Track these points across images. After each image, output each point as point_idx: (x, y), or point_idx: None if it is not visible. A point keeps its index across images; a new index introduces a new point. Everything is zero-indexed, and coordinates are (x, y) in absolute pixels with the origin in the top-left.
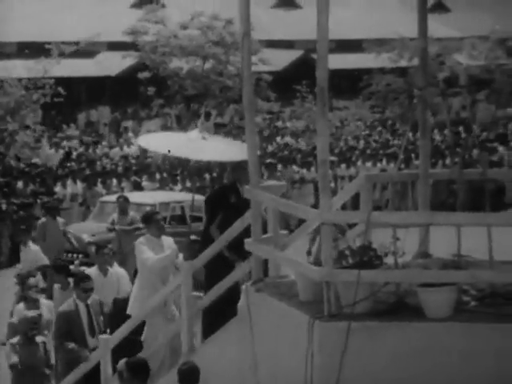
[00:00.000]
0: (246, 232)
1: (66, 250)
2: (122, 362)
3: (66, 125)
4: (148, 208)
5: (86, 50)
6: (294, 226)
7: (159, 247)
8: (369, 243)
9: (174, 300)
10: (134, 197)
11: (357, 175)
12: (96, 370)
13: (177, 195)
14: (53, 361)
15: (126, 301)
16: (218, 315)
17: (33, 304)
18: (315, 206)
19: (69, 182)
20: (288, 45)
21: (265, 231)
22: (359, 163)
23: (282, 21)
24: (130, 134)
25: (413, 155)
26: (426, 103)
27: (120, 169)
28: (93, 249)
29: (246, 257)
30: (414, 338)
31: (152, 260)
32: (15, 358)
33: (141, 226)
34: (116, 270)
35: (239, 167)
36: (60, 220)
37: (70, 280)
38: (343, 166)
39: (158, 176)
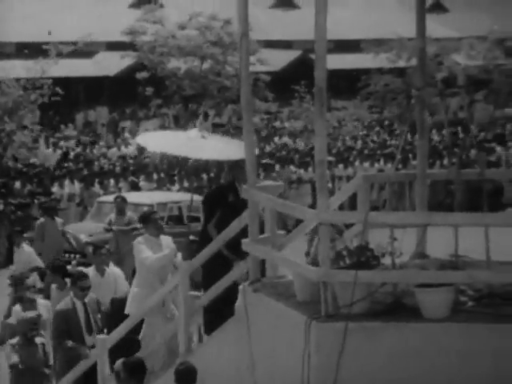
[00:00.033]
0: (245, 231)
1: (65, 251)
2: (118, 362)
3: (64, 125)
4: (145, 208)
5: (84, 50)
6: (291, 227)
7: (158, 247)
8: (366, 243)
9: (172, 299)
10: (132, 197)
11: (354, 175)
12: (95, 369)
13: (174, 195)
14: (51, 361)
15: (123, 300)
16: (218, 314)
17: (29, 305)
18: (313, 206)
19: (66, 182)
20: (286, 45)
21: (262, 231)
22: (357, 163)
23: (280, 21)
24: (127, 135)
25: (410, 155)
26: (424, 103)
27: (118, 169)
28: (90, 249)
29: (244, 255)
30: (411, 339)
31: (151, 259)
32: (15, 358)
33: (138, 226)
34: (112, 269)
35: (237, 166)
36: (59, 220)
37: (67, 280)
38: (341, 166)
39: (155, 176)
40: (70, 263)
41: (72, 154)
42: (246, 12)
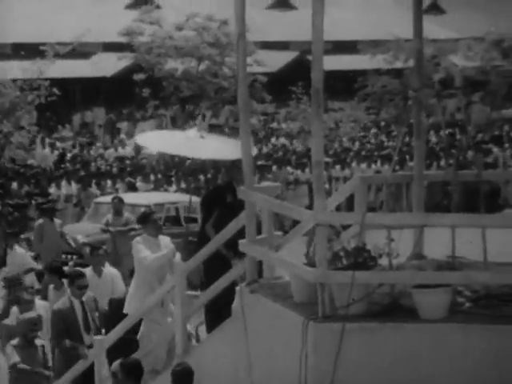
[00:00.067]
0: (242, 231)
1: (63, 252)
2: (116, 363)
3: (61, 125)
4: (142, 209)
5: (81, 51)
6: (288, 227)
7: (156, 247)
8: (363, 244)
9: (171, 299)
10: (129, 198)
11: (351, 176)
12: (93, 369)
13: (171, 196)
14: (50, 363)
15: (121, 301)
16: (219, 313)
17: (26, 306)
18: (310, 207)
19: (63, 183)
20: (283, 46)
21: (259, 232)
22: (354, 165)
23: (276, 22)
24: (123, 136)
25: (407, 157)
26: (421, 105)
27: (115, 170)
28: (87, 250)
29: (242, 255)
30: (408, 340)
31: (149, 259)
32: (16, 358)
33: (136, 226)
34: (109, 270)
35: (234, 167)
36: (57, 221)
37: (64, 281)
38: (338, 167)
39: (152, 177)
40: (67, 264)
41: (69, 155)
42: (242, 13)
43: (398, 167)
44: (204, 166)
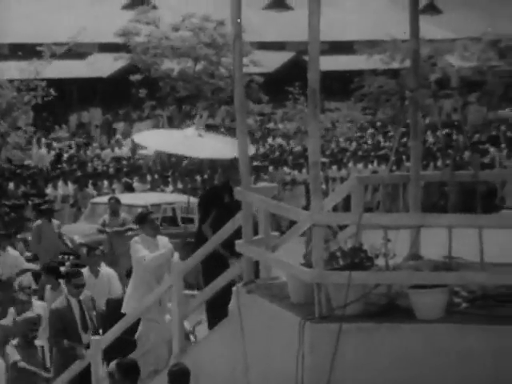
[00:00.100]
0: (239, 231)
1: (60, 252)
2: (112, 364)
3: (57, 126)
4: (139, 209)
5: (77, 52)
6: (285, 228)
7: (154, 246)
8: (360, 245)
9: (169, 298)
10: (126, 198)
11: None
12: (89, 369)
13: (168, 197)
14: (48, 364)
15: (119, 301)
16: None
17: (21, 306)
18: (307, 207)
19: (60, 183)
20: (279, 46)
21: (256, 232)
22: (350, 165)
23: (273, 22)
24: (119, 136)
25: (404, 157)
26: (418, 105)
27: (111, 170)
28: (84, 250)
29: (239, 254)
30: (404, 340)
31: (147, 258)
32: (17, 356)
33: (133, 226)
34: (106, 270)
35: (231, 167)
36: (55, 222)
37: (61, 281)
38: (334, 167)
39: (149, 177)
40: (64, 264)
41: (66, 155)
42: (239, 13)
43: (394, 167)
44: (201, 167)
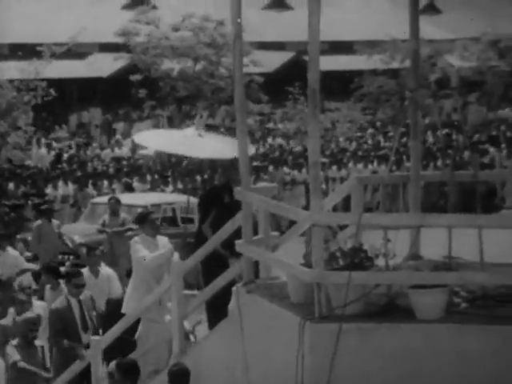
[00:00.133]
0: (239, 231)
1: (60, 252)
2: (112, 364)
3: (57, 126)
4: (139, 209)
5: (77, 52)
6: (285, 228)
7: (154, 247)
8: (360, 245)
9: (169, 298)
10: (125, 198)
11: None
12: (90, 369)
13: (168, 197)
14: (48, 364)
15: (119, 301)
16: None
17: (21, 306)
18: (306, 207)
19: (60, 183)
20: (279, 46)
21: (256, 232)
22: (350, 165)
23: (273, 22)
24: (119, 136)
25: (404, 157)
26: (418, 105)
27: (111, 170)
28: (84, 250)
29: (239, 254)
30: (404, 340)
31: (147, 258)
32: (17, 356)
33: (133, 226)
34: (106, 270)
35: (232, 167)
36: (55, 222)
37: (61, 280)
38: (334, 167)
39: (149, 177)
40: (64, 264)
41: (65, 155)
42: (239, 13)
43: (394, 167)
44: (201, 167)
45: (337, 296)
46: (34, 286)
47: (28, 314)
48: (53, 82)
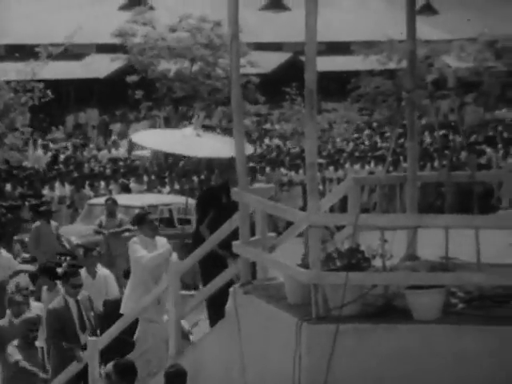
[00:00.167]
0: (237, 232)
1: (57, 253)
2: (109, 365)
3: (54, 127)
4: (136, 210)
5: (74, 52)
6: (282, 229)
7: (152, 247)
8: (357, 246)
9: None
10: (122, 199)
11: (345, 178)
12: (87, 370)
13: (165, 198)
14: (48, 365)
15: (117, 302)
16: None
17: (17, 307)
18: (304, 208)
19: (57, 184)
20: (276, 47)
21: (253, 233)
22: (347, 166)
23: (270, 23)
24: (115, 137)
25: (401, 158)
26: (414, 106)
27: (108, 171)
28: (81, 251)
29: (237, 255)
30: (401, 341)
31: (146, 258)
32: (18, 356)
33: (130, 227)
34: (103, 271)
35: (229, 168)
36: (53, 224)
37: (57, 282)
38: (331, 168)
39: (145, 178)
40: (60, 265)
41: (62, 156)
42: (236, 14)
43: (391, 168)
44: (198, 167)
45: (334, 297)
46: (31, 287)
47: (28, 315)
48: (50, 83)
